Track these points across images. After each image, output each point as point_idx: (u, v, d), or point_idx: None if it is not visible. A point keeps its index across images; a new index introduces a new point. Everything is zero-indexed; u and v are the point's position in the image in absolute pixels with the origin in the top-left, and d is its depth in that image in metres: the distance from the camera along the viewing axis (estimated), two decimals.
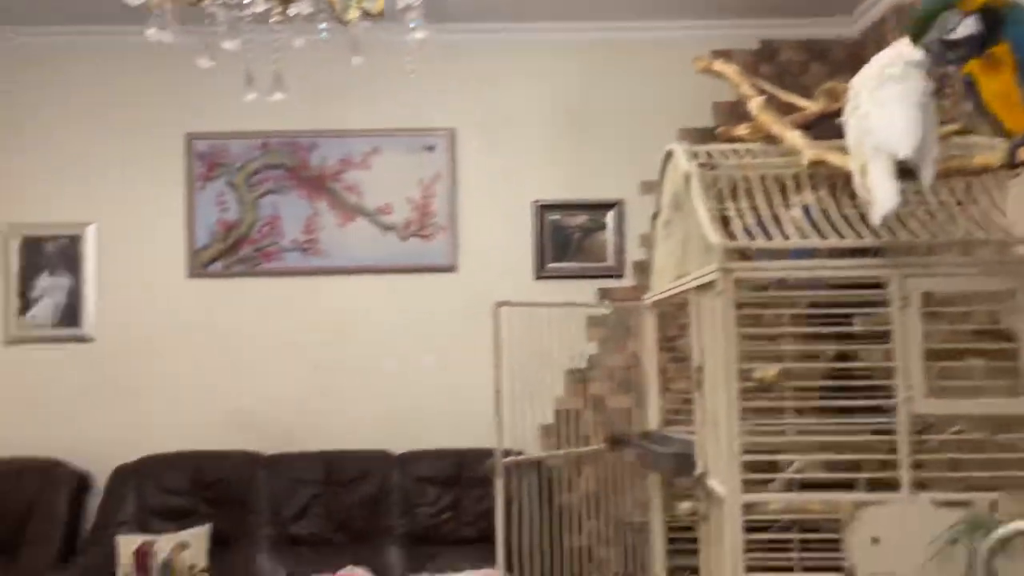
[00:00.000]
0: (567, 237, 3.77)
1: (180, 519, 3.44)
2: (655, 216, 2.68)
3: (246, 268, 3.74)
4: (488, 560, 3.38)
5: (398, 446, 3.65)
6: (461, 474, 3.55)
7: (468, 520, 3.51)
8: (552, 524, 2.86)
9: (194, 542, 3.32)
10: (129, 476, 3.53)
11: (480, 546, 3.45)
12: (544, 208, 3.77)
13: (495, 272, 3.75)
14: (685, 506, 1.98)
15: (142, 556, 3.24)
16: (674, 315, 2.98)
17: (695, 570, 2.65)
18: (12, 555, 3.37)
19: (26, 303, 3.71)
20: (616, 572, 3.31)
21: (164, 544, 3.27)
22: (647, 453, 2.31)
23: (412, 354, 3.76)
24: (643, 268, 3.72)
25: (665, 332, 2.84)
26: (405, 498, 3.51)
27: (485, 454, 3.62)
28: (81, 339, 3.71)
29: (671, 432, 2.55)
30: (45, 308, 3.72)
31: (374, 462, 3.56)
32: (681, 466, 2.17)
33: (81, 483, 3.56)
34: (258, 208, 3.75)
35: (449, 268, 3.78)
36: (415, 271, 3.77)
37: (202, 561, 3.31)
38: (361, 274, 3.77)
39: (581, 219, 3.77)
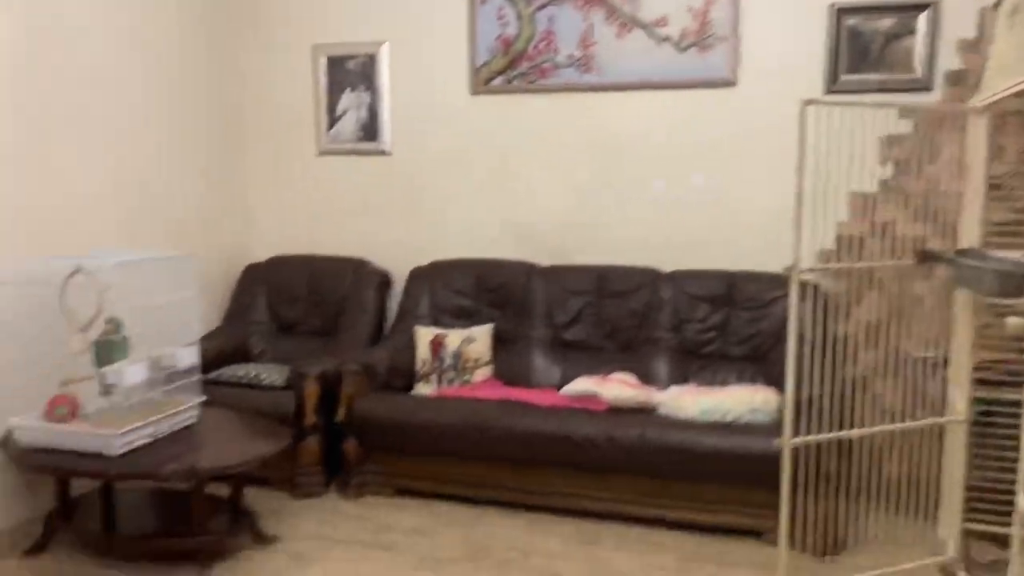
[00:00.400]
0: (867, 45, 3.37)
1: (466, 317, 3.82)
2: (996, 5, 2.31)
3: (524, 84, 3.82)
4: (754, 378, 3.40)
5: (665, 264, 3.69)
6: (731, 294, 3.53)
7: (735, 340, 3.51)
8: (829, 350, 2.77)
9: (479, 338, 3.68)
10: (423, 277, 3.93)
11: (747, 365, 3.47)
12: (842, 11, 3.37)
13: (779, 86, 3.49)
14: (1016, 321, 1.81)
15: (436, 345, 3.65)
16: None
17: (994, 402, 2.47)
18: (332, 337, 3.96)
19: (333, 119, 4.12)
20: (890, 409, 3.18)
21: (454, 337, 3.66)
22: (966, 269, 2.12)
23: (684, 173, 3.69)
24: (957, 79, 3.27)
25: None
26: (674, 313, 3.57)
27: (755, 277, 3.56)
28: (380, 152, 4.08)
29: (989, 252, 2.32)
30: (348, 123, 4.10)
31: (643, 277, 3.64)
32: (1007, 284, 1.97)
33: (383, 281, 4.03)
34: (535, 23, 3.76)
35: (728, 83, 3.58)
36: (691, 87, 3.62)
37: (486, 355, 3.67)
38: (635, 90, 3.70)
39: (887, 23, 3.33)
